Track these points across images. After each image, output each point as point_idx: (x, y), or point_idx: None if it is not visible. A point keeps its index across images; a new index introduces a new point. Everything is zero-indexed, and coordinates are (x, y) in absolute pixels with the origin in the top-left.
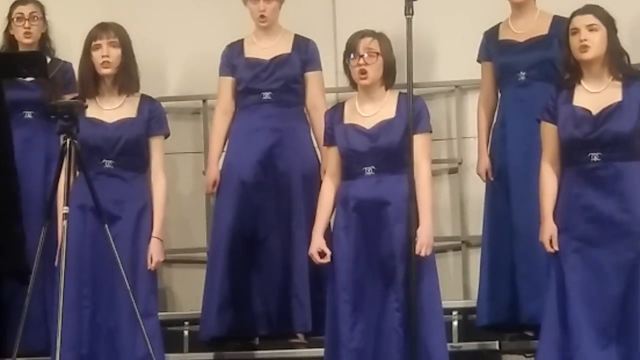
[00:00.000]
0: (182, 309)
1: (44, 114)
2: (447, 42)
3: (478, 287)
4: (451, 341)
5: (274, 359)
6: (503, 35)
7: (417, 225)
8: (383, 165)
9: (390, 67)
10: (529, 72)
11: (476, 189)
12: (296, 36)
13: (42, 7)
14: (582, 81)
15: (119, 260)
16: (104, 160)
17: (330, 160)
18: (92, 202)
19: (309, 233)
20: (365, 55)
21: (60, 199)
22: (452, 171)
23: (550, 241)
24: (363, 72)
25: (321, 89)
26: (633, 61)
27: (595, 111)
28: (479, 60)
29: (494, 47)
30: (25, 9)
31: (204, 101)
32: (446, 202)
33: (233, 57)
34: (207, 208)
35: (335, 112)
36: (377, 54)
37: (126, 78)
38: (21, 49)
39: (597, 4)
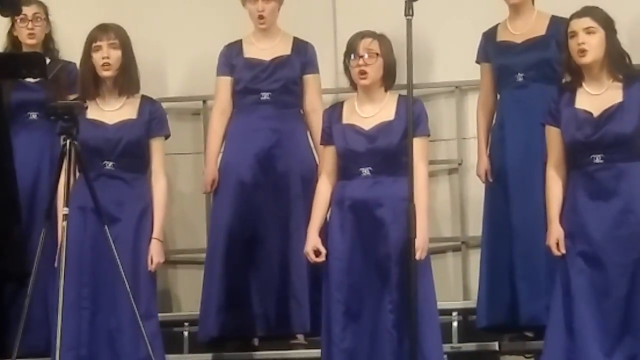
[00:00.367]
0: (185, 309)
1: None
2: (447, 43)
3: (477, 289)
4: (451, 342)
5: (273, 359)
6: (501, 37)
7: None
8: (380, 166)
9: (391, 68)
10: (527, 73)
11: (476, 190)
12: (295, 38)
13: (45, 8)
14: (583, 83)
15: (118, 262)
16: (104, 162)
17: (326, 159)
18: (93, 203)
19: None
20: (366, 55)
21: (60, 200)
22: (452, 172)
23: (557, 245)
24: (363, 72)
25: (319, 91)
26: (633, 61)
27: (596, 113)
28: (477, 62)
29: (492, 49)
30: (29, 10)
31: (204, 102)
32: (446, 203)
33: (232, 57)
34: (207, 209)
35: (334, 111)
36: (377, 54)
37: (126, 79)
38: (25, 49)
39: (595, 4)
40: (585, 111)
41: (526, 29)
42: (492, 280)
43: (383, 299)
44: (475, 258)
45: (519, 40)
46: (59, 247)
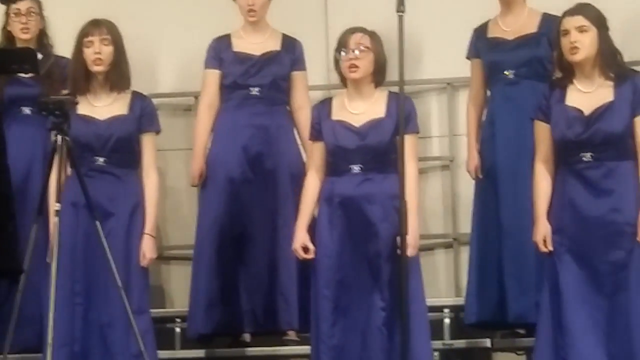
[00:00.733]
0: (177, 305)
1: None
2: (439, 39)
3: (466, 285)
4: (442, 339)
5: (265, 356)
6: (492, 33)
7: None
8: (370, 163)
9: (381, 64)
10: (518, 70)
11: (468, 187)
12: (284, 35)
13: (39, 3)
14: (574, 81)
15: (110, 258)
16: (95, 158)
17: (315, 155)
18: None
19: None
20: (357, 50)
21: (51, 195)
22: (444, 168)
23: (544, 241)
24: (353, 65)
25: (306, 89)
26: (625, 59)
27: (587, 111)
28: (468, 57)
29: (482, 45)
30: (22, 5)
31: (196, 98)
32: (438, 200)
33: (221, 51)
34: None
35: (323, 107)
36: (369, 49)
37: (118, 75)
38: (19, 44)
39: (588, 2)
40: (576, 109)
41: (517, 25)
42: (481, 277)
43: (374, 297)
44: (467, 255)
45: (510, 37)
46: (51, 242)
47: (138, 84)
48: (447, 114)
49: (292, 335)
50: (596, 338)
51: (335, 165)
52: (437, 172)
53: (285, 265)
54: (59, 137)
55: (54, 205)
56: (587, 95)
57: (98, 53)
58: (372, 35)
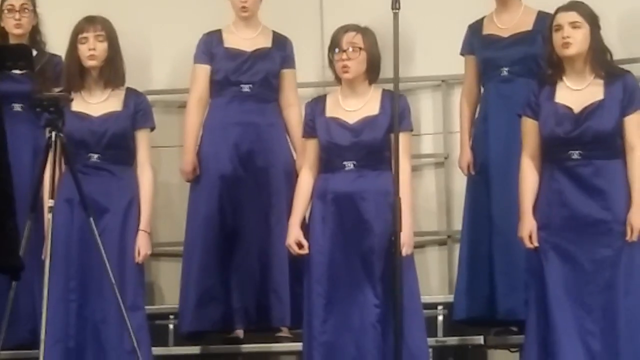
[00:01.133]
0: (170, 302)
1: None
2: (434, 37)
3: (456, 281)
4: (436, 336)
5: (259, 352)
6: (487, 30)
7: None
8: (364, 160)
9: (374, 62)
10: (512, 67)
11: (462, 184)
12: (274, 32)
13: (32, 0)
14: (564, 77)
15: (103, 254)
16: (90, 154)
17: (309, 152)
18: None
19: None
20: (349, 49)
21: (46, 192)
22: (438, 166)
23: (530, 237)
24: (345, 66)
25: (295, 87)
26: (621, 56)
27: (577, 109)
28: (462, 54)
29: (477, 41)
30: (16, 1)
31: None
32: (432, 197)
33: (212, 46)
34: None
35: (317, 104)
36: (360, 48)
37: (112, 71)
38: (12, 40)
39: (581, 0)
40: (566, 106)
41: (513, 23)
42: (471, 273)
43: (367, 293)
44: None
45: (505, 35)
46: (45, 239)
47: (132, 80)
48: (441, 111)
49: (284, 332)
50: (582, 335)
51: (328, 161)
52: (431, 170)
53: (278, 262)
54: (53, 134)
55: (47, 202)
56: (577, 93)
57: (92, 49)
58: (365, 32)
